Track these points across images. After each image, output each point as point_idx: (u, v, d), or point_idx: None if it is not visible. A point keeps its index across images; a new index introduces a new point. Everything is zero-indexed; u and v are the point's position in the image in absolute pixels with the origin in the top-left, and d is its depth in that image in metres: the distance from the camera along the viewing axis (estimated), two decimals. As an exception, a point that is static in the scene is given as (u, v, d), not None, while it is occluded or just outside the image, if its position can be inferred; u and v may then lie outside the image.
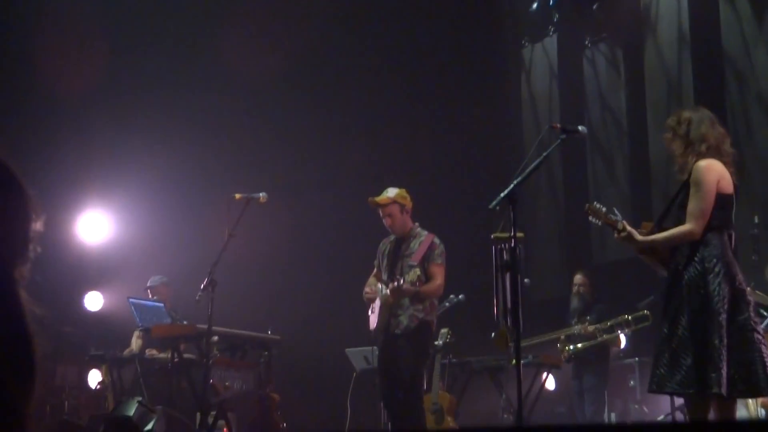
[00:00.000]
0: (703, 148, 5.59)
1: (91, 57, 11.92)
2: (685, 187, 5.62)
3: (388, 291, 7.68)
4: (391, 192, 7.97)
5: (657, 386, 5.48)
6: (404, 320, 7.72)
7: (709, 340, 5.24)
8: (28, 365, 1.74)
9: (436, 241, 7.93)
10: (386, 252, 8.10)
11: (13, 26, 11.86)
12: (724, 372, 5.20)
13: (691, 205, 5.51)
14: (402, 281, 7.54)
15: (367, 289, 7.99)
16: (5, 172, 1.90)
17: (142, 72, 12.51)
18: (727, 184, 5.57)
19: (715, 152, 5.60)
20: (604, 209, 5.70)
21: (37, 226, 1.88)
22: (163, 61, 12.53)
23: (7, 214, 1.85)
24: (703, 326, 5.28)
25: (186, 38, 12.73)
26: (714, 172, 5.53)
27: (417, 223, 8.10)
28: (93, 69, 11.93)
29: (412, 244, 7.93)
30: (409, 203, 8.02)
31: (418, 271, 7.62)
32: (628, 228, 5.64)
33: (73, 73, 11.54)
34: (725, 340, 5.25)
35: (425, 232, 8.01)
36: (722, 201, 5.53)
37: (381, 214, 8.01)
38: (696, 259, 5.43)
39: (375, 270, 8.20)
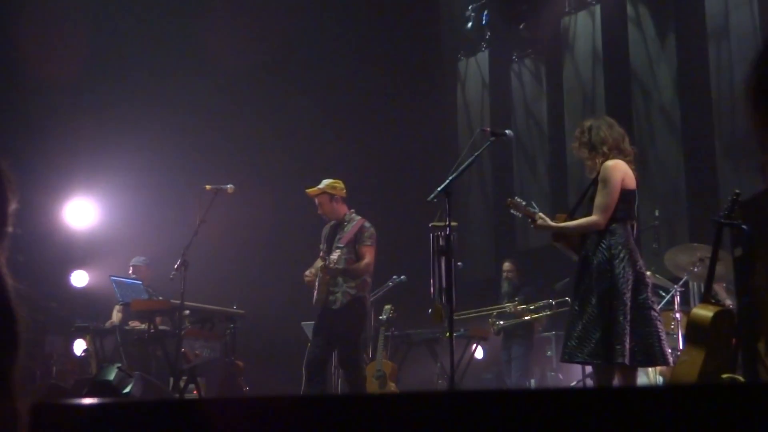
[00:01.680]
0: (605, 149, 5.63)
1: (75, 48, 11.69)
2: (594, 183, 5.66)
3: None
4: (323, 183, 7.97)
5: (569, 357, 5.51)
6: (339, 296, 7.70)
7: (615, 317, 5.28)
8: (11, 334, 1.69)
9: (366, 224, 7.90)
10: (325, 236, 8.08)
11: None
12: (627, 345, 5.24)
13: (598, 200, 5.54)
14: (328, 261, 7.58)
15: (306, 273, 7.90)
16: None
17: (124, 66, 12.35)
18: (631, 180, 5.61)
19: (617, 152, 5.63)
20: (523, 203, 5.71)
21: (13, 205, 1.81)
22: (145, 53, 12.37)
23: None
24: (609, 305, 5.31)
25: (168, 31, 12.56)
26: (619, 171, 5.56)
27: (353, 210, 8.06)
28: (77, 61, 11.71)
29: (345, 228, 7.89)
30: (339, 192, 7.98)
31: (338, 252, 7.63)
32: (544, 217, 5.66)
33: (58, 64, 11.30)
34: (629, 317, 5.30)
35: (357, 218, 7.97)
36: (626, 196, 5.58)
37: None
38: (603, 246, 5.46)
39: (321, 253, 8.14)
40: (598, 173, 5.60)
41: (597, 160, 5.66)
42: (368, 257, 7.81)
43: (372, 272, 7.96)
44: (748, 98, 1.24)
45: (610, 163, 5.57)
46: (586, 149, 5.71)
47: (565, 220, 5.77)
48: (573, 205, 6.14)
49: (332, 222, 8.08)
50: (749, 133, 1.25)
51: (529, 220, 5.68)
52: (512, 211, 5.79)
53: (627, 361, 5.24)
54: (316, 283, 7.80)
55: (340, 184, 8.03)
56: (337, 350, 7.95)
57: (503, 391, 1.08)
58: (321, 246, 8.14)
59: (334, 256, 7.63)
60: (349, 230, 7.87)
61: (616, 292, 5.32)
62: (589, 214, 5.59)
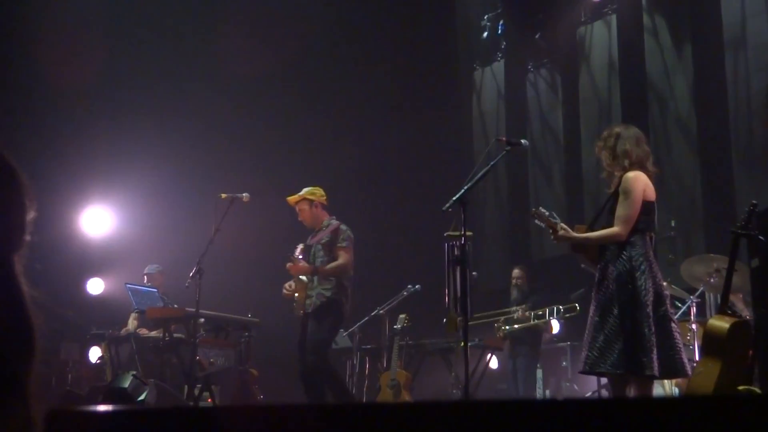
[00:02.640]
0: (626, 163, 5.58)
1: (92, 57, 11.74)
2: (614, 195, 5.63)
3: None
4: (303, 190, 7.96)
5: (590, 367, 5.44)
6: (314, 299, 7.64)
7: (639, 329, 5.24)
8: (28, 342, 1.70)
9: (342, 227, 7.84)
10: (307, 243, 8.02)
11: (15, 24, 11.61)
12: (654, 357, 5.22)
13: (620, 211, 5.51)
14: (292, 257, 7.56)
15: (285, 286, 7.82)
16: (1, 163, 1.83)
17: (139, 75, 12.38)
18: (651, 192, 5.58)
19: (638, 168, 5.61)
20: (546, 213, 5.68)
21: (31, 214, 1.82)
22: (161, 62, 12.42)
23: (3, 203, 1.79)
24: (632, 317, 5.28)
25: (184, 39, 12.62)
26: (641, 182, 5.54)
27: (333, 217, 8.03)
28: (93, 70, 11.76)
29: (321, 233, 7.87)
30: (319, 198, 7.95)
31: (301, 246, 7.67)
32: (566, 228, 5.63)
33: (75, 72, 11.35)
34: (653, 329, 5.27)
35: (335, 222, 7.93)
36: (647, 207, 5.55)
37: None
38: (624, 257, 5.43)
39: None
40: (619, 184, 5.57)
41: (615, 172, 5.63)
42: (342, 259, 7.72)
43: (350, 276, 7.84)
44: (766, 107, 1.24)
45: (631, 174, 5.54)
46: (609, 155, 5.67)
47: (585, 232, 5.74)
48: (590, 216, 6.12)
49: (314, 231, 8.04)
50: (765, 144, 1.24)
51: (551, 231, 5.65)
52: (536, 221, 5.75)
53: (656, 372, 5.22)
54: (295, 295, 7.75)
55: (320, 191, 8.00)
56: (307, 353, 7.66)
57: (517, 401, 1.08)
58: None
59: (297, 251, 7.62)
60: (323, 233, 7.82)
61: (639, 304, 5.30)
62: (609, 225, 5.57)
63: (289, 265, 7.63)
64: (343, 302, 7.76)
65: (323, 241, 7.76)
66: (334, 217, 8.05)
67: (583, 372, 5.62)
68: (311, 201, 7.91)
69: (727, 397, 1.03)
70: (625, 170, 5.58)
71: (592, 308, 5.58)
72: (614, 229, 5.50)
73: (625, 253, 5.45)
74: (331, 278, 7.70)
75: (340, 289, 7.73)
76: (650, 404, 1.06)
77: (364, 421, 1.07)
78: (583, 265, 5.95)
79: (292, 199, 7.97)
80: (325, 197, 8.03)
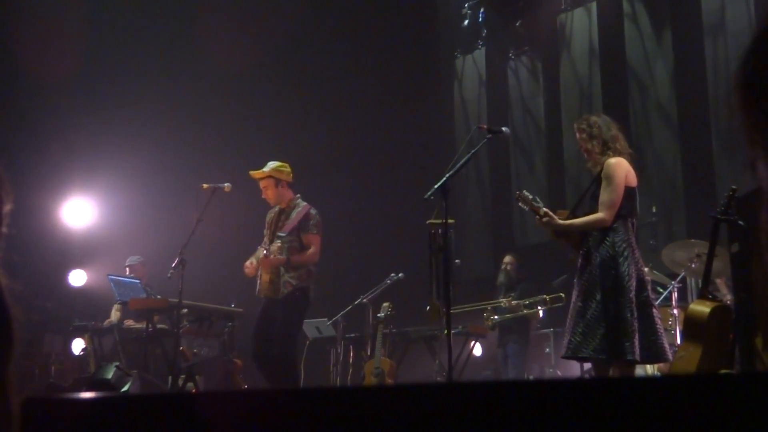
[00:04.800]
0: (618, 146, 5.64)
1: (72, 47, 11.64)
2: (597, 180, 5.64)
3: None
4: (268, 166, 7.75)
5: (572, 352, 5.47)
6: (280, 287, 7.49)
7: (622, 314, 5.27)
8: (5, 332, 1.68)
9: (312, 212, 7.68)
10: (269, 222, 7.86)
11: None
12: (636, 342, 5.25)
13: (604, 197, 5.52)
14: (267, 252, 7.39)
15: (246, 264, 7.68)
16: None
17: (121, 65, 12.31)
18: (633, 178, 5.61)
19: (620, 153, 5.64)
20: (530, 197, 5.67)
21: (8, 206, 1.79)
22: (142, 53, 12.33)
23: None
24: (615, 302, 5.30)
25: (165, 30, 12.51)
26: (623, 168, 5.56)
27: (299, 195, 7.85)
28: (73, 60, 11.67)
29: (291, 215, 7.68)
30: (285, 176, 7.75)
31: (279, 242, 7.41)
32: (550, 213, 5.63)
33: (55, 62, 11.25)
34: (635, 314, 5.30)
35: (303, 204, 7.75)
36: (629, 193, 5.57)
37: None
38: (607, 243, 5.45)
39: (264, 240, 7.91)
40: (601, 170, 5.59)
41: (604, 157, 5.64)
42: (313, 247, 7.60)
43: (317, 262, 7.70)
44: (736, 94, 1.24)
45: (613, 160, 5.56)
46: (599, 144, 5.67)
47: (566, 218, 5.74)
48: (572, 202, 6.13)
49: (276, 208, 7.86)
50: (739, 129, 1.25)
51: (536, 216, 5.65)
52: (520, 204, 5.75)
53: (637, 357, 5.25)
54: (258, 273, 7.64)
55: (287, 168, 7.81)
56: (273, 343, 7.51)
57: (500, 383, 1.08)
58: (264, 232, 7.94)
59: (275, 246, 7.43)
60: (294, 217, 7.64)
61: (622, 290, 5.32)
62: (591, 211, 5.59)
63: (261, 258, 7.47)
64: (309, 289, 7.64)
65: (293, 226, 7.60)
66: (299, 195, 7.86)
67: (566, 357, 5.65)
68: (278, 179, 7.71)
69: (707, 376, 1.03)
70: (618, 153, 5.61)
71: (574, 294, 5.61)
72: (599, 215, 5.52)
73: (608, 239, 5.47)
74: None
75: (308, 276, 7.61)
76: (629, 384, 1.06)
77: (349, 406, 1.06)
78: (570, 256, 5.94)
79: (256, 174, 7.77)
80: (291, 175, 7.82)
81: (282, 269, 7.53)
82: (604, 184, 5.54)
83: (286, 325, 7.51)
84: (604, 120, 5.79)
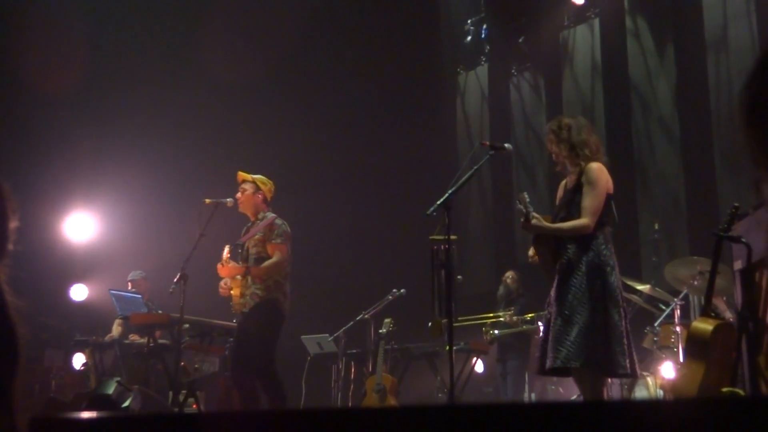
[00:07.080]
0: (587, 152, 5.56)
1: (75, 62, 11.69)
2: (574, 188, 5.60)
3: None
4: (256, 176, 7.75)
5: (562, 362, 5.28)
6: (248, 299, 7.39)
7: (614, 325, 5.21)
8: (12, 352, 1.69)
9: (277, 222, 7.56)
10: (242, 234, 7.81)
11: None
12: (633, 357, 5.22)
13: (587, 202, 5.45)
14: (226, 260, 7.36)
15: (221, 285, 7.60)
16: None
17: (123, 80, 12.34)
18: (611, 185, 5.56)
19: (597, 157, 5.59)
20: (528, 199, 5.58)
21: (14, 223, 1.80)
22: (144, 67, 12.37)
23: None
24: (604, 312, 5.23)
25: (168, 45, 12.58)
26: (605, 174, 5.52)
27: (270, 209, 7.75)
28: (76, 75, 11.71)
29: (254, 228, 7.63)
30: (266, 191, 7.70)
31: (229, 246, 7.41)
32: (538, 217, 5.53)
33: (58, 78, 11.29)
34: (628, 327, 5.27)
35: (270, 215, 7.66)
36: (608, 200, 5.55)
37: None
38: (592, 251, 5.39)
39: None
40: (580, 176, 5.55)
41: (574, 161, 5.61)
42: (277, 256, 7.44)
43: (286, 273, 7.54)
44: (741, 115, 1.25)
45: (595, 165, 5.51)
46: (566, 147, 5.63)
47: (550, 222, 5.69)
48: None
49: (249, 223, 7.81)
50: (743, 148, 1.26)
51: (522, 219, 5.57)
52: (518, 204, 5.66)
53: (629, 371, 5.21)
54: (231, 292, 7.54)
55: (270, 185, 7.79)
56: (249, 359, 7.29)
57: (503, 404, 1.08)
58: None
59: (225, 253, 7.39)
60: (256, 227, 7.58)
61: (613, 300, 5.26)
62: (568, 218, 5.54)
63: (219, 267, 7.43)
64: (279, 300, 7.45)
65: (257, 236, 7.53)
66: (270, 209, 7.78)
67: (554, 366, 5.41)
68: (257, 188, 7.69)
69: (712, 399, 1.04)
70: (587, 160, 5.55)
71: (556, 304, 5.49)
72: (583, 221, 5.43)
73: (593, 247, 5.40)
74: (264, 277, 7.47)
75: (277, 287, 7.45)
76: (633, 407, 1.07)
77: (350, 426, 1.07)
78: (546, 275, 5.84)
79: (243, 175, 7.76)
80: (271, 192, 7.79)
81: (249, 281, 7.43)
82: (586, 189, 5.47)
83: (258, 338, 7.33)
84: (578, 123, 5.70)
